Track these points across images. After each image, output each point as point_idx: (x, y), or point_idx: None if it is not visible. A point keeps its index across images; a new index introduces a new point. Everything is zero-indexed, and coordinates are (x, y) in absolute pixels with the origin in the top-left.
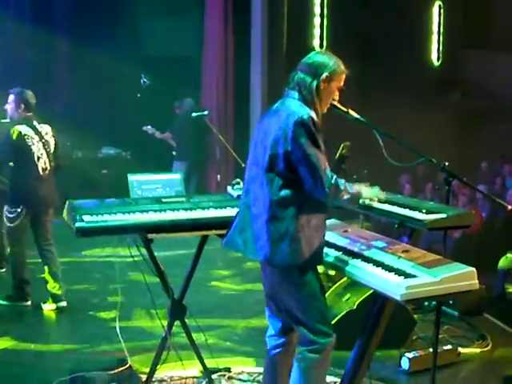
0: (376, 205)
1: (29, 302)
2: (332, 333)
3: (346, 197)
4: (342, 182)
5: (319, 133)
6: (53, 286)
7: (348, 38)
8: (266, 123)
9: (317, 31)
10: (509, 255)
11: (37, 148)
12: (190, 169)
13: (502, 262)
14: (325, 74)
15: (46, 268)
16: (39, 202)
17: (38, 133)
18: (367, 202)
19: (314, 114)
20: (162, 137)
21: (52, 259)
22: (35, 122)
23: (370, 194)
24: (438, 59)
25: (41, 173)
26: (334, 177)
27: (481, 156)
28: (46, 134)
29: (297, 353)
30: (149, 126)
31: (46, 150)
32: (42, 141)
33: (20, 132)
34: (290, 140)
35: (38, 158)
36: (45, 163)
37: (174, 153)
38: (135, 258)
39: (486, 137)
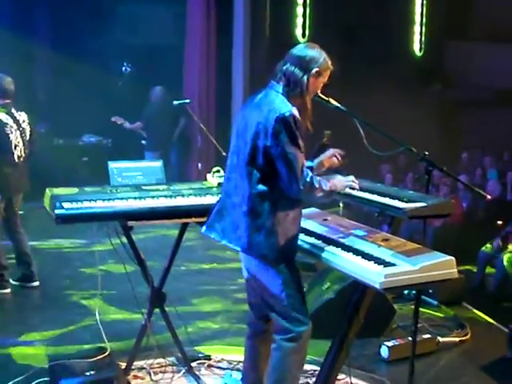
0: (356, 193)
1: (8, 290)
2: (308, 321)
3: (319, 194)
4: (317, 180)
5: (300, 130)
6: (26, 267)
7: (330, 27)
8: (248, 114)
9: (299, 20)
10: (488, 245)
11: (14, 136)
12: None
13: (484, 250)
14: (315, 70)
15: (17, 250)
16: (14, 188)
17: (16, 121)
18: (343, 191)
19: (296, 111)
20: (132, 127)
21: (23, 241)
22: (13, 110)
23: (343, 186)
24: (421, 49)
25: (16, 160)
26: (310, 175)
27: (461, 147)
28: (23, 121)
29: (273, 342)
30: (117, 117)
31: (22, 138)
32: (19, 129)
33: (1, 120)
34: (270, 136)
35: (15, 146)
36: (20, 151)
37: (143, 142)
38: (115, 246)
39: (466, 127)
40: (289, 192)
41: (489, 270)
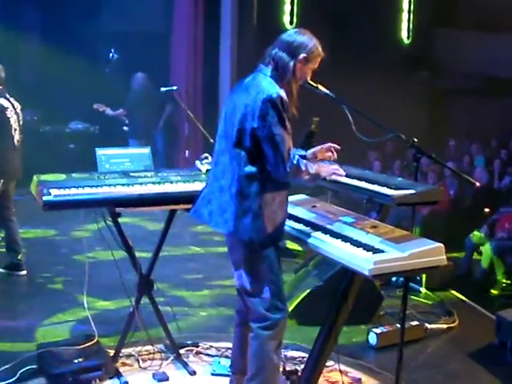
0: (345, 180)
1: None
2: (285, 308)
3: (306, 177)
4: (303, 162)
5: (287, 112)
6: (15, 255)
7: (318, 15)
8: (236, 97)
9: (287, 7)
10: (476, 233)
11: (13, 120)
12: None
13: (472, 237)
14: (302, 55)
15: (8, 238)
16: (14, 172)
17: (12, 106)
18: (328, 178)
19: (283, 93)
20: (114, 114)
21: (15, 230)
22: (7, 96)
23: (329, 173)
24: (408, 37)
25: (15, 144)
26: (297, 157)
27: (449, 134)
28: (17, 107)
29: (251, 330)
30: (99, 104)
31: (18, 122)
32: (16, 114)
33: (2, 105)
34: (257, 117)
35: (15, 130)
36: (18, 135)
37: (125, 128)
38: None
39: (454, 115)
40: (275, 174)
41: (476, 256)
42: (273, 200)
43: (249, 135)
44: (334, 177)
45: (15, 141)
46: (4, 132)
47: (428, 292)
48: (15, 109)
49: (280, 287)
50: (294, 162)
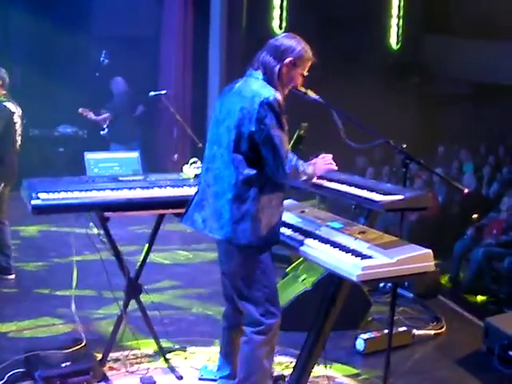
0: (333, 186)
1: None
2: (278, 314)
3: (303, 178)
4: (301, 163)
5: (284, 114)
6: (4, 259)
7: (307, 20)
8: (229, 102)
9: (276, 12)
10: (465, 237)
11: (18, 125)
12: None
13: (460, 243)
14: (288, 59)
15: None
16: (13, 176)
17: (17, 111)
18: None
19: (279, 96)
20: (98, 119)
21: (6, 232)
22: (12, 100)
23: (323, 170)
24: (398, 43)
25: (17, 149)
26: (295, 159)
27: (438, 140)
28: (19, 112)
29: (243, 334)
30: (83, 108)
31: (21, 127)
32: (20, 118)
33: (10, 109)
34: (255, 121)
35: (18, 135)
36: (19, 140)
37: (102, 133)
38: (91, 237)
39: (443, 121)
40: (275, 176)
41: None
42: (270, 203)
43: (246, 139)
44: (325, 182)
45: (17, 145)
46: (9, 136)
47: (416, 298)
48: (19, 114)
49: (274, 292)
50: (293, 163)
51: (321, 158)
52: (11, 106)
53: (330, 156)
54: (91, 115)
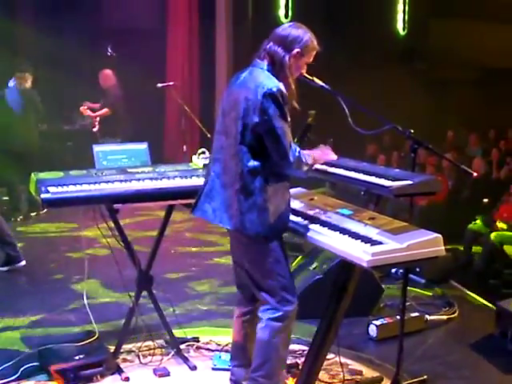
0: (342, 172)
1: None
2: (295, 301)
3: (306, 168)
4: (303, 154)
5: (287, 105)
6: (10, 247)
7: (313, 8)
8: (235, 93)
9: (282, 1)
10: (478, 222)
11: None
12: None
13: (471, 228)
14: (296, 50)
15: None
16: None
17: None
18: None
19: (282, 87)
20: (98, 114)
21: (2, 221)
22: None
23: (323, 160)
24: (404, 29)
25: None
26: (298, 149)
27: (447, 125)
28: None
29: (260, 321)
30: (84, 107)
31: None
32: None
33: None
34: (258, 112)
35: None
36: None
37: (94, 130)
38: (101, 230)
39: (451, 106)
40: (280, 167)
41: (475, 248)
42: (276, 193)
43: (250, 130)
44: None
45: None
46: None
47: (428, 283)
48: None
49: (289, 280)
50: (297, 153)
51: (319, 148)
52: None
53: (328, 147)
54: (89, 112)
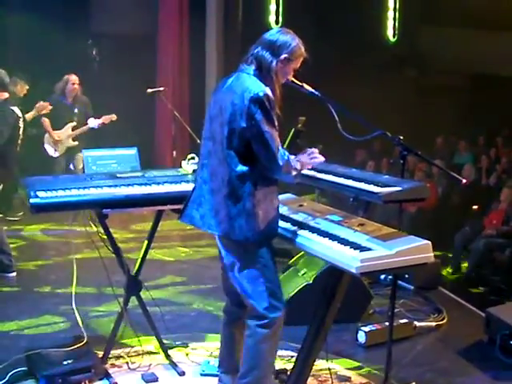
0: (332, 178)
1: None
2: (282, 307)
3: (294, 173)
4: (291, 159)
5: (274, 110)
6: (5, 257)
7: (304, 14)
8: (222, 98)
9: (273, 7)
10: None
11: (21, 130)
12: None
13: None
14: (284, 55)
15: None
16: (10, 178)
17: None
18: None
19: (269, 91)
20: (102, 121)
21: (1, 230)
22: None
23: (309, 164)
24: (394, 35)
25: (17, 151)
26: (287, 154)
27: (436, 131)
28: (21, 117)
29: (247, 328)
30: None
31: (23, 131)
32: (22, 123)
33: (17, 114)
34: (245, 116)
35: (20, 140)
36: (19, 143)
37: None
38: (91, 235)
39: (441, 112)
40: (268, 171)
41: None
42: (265, 198)
43: (237, 135)
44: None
45: (17, 149)
46: (13, 140)
47: (417, 290)
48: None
49: (277, 286)
50: (285, 157)
51: (306, 152)
52: (17, 110)
53: (315, 150)
54: (92, 121)
